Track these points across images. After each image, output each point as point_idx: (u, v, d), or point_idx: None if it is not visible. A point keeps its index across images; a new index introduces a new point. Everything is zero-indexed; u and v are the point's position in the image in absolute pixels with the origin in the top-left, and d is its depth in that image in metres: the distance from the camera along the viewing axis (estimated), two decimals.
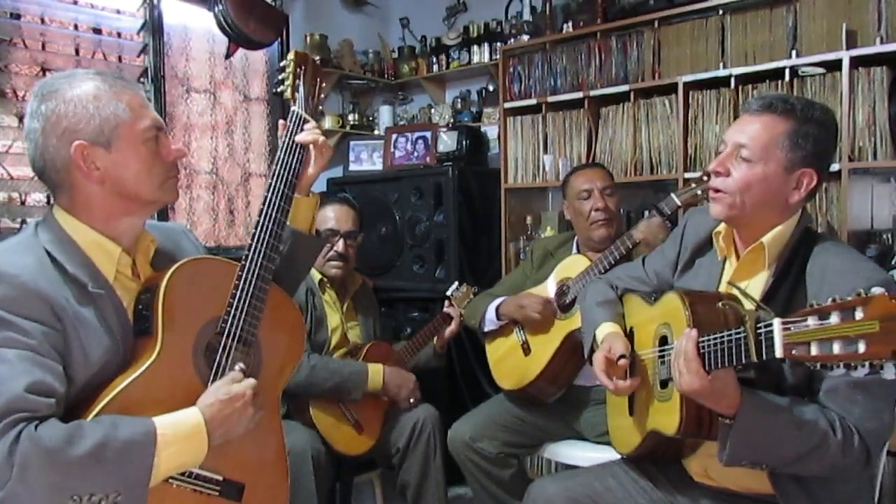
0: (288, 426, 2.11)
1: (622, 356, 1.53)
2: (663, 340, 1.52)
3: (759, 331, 1.16)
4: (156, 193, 1.34)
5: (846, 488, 1.36)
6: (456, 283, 2.67)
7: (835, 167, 2.36)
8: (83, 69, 1.34)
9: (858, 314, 1.00)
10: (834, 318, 1.03)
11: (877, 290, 1.00)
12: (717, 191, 1.46)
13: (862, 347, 0.99)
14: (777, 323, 1.11)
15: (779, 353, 1.11)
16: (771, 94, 1.50)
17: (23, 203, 2.69)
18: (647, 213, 2.26)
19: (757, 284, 1.46)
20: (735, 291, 1.31)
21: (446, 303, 2.60)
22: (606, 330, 1.66)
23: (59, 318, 1.19)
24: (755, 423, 1.27)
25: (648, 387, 1.53)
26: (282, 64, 1.58)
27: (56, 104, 1.25)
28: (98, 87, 1.28)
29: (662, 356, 1.50)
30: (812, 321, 1.06)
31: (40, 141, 1.26)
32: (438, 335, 2.55)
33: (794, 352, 1.08)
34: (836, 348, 1.02)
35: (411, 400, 2.36)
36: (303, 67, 1.57)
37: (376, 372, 2.29)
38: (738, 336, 1.21)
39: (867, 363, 0.98)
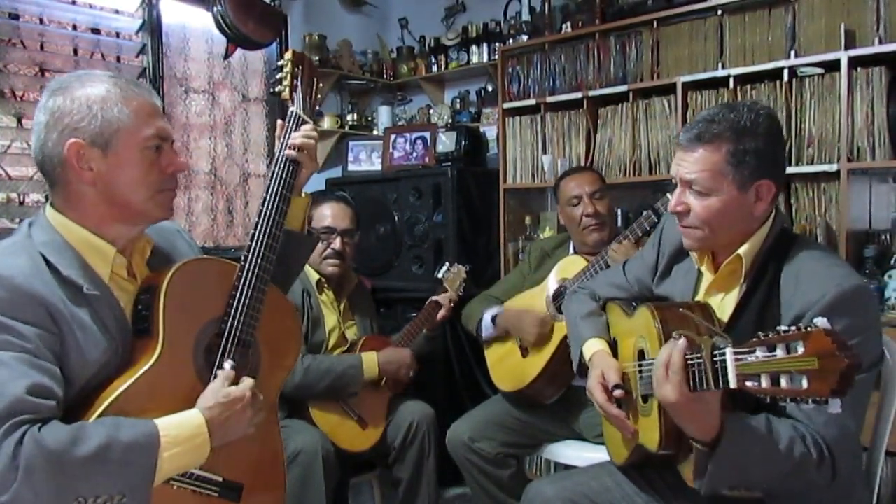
0: (296, 425, 2.12)
1: (616, 386, 1.50)
2: (641, 354, 1.50)
3: (714, 359, 1.12)
4: (146, 204, 1.32)
5: (838, 491, 1.34)
6: (447, 264, 2.62)
7: (833, 167, 2.36)
8: (101, 71, 1.34)
9: (799, 349, 0.97)
10: (780, 352, 1.00)
11: (819, 322, 0.98)
12: (685, 226, 1.45)
13: (805, 383, 0.96)
14: (729, 353, 1.08)
15: (732, 384, 1.07)
16: (699, 116, 1.40)
17: (21, 203, 2.69)
18: (644, 213, 2.26)
19: (733, 296, 1.44)
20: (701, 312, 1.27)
21: (439, 287, 2.56)
22: (594, 347, 1.63)
23: (55, 321, 1.19)
24: (737, 449, 1.21)
25: (633, 400, 1.51)
26: (279, 64, 1.58)
27: (63, 101, 1.26)
28: (108, 90, 1.28)
29: (641, 371, 1.47)
30: (760, 352, 1.03)
31: (42, 134, 1.27)
32: (429, 323, 2.53)
33: (747, 384, 1.05)
34: (784, 382, 0.99)
35: (411, 374, 2.37)
36: (300, 68, 1.57)
37: (370, 360, 2.29)
38: (698, 361, 1.17)
39: (810, 399, 0.97)
